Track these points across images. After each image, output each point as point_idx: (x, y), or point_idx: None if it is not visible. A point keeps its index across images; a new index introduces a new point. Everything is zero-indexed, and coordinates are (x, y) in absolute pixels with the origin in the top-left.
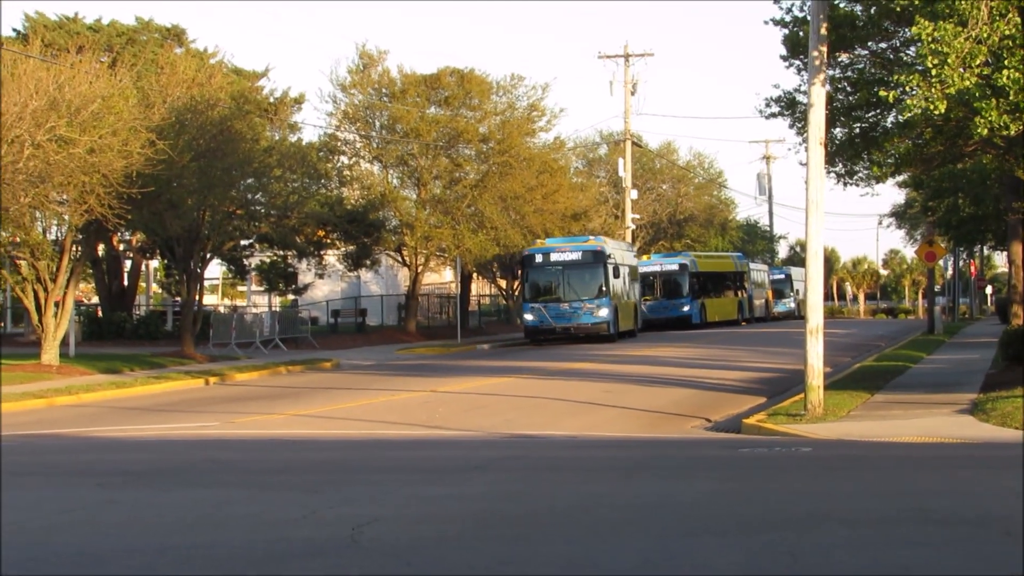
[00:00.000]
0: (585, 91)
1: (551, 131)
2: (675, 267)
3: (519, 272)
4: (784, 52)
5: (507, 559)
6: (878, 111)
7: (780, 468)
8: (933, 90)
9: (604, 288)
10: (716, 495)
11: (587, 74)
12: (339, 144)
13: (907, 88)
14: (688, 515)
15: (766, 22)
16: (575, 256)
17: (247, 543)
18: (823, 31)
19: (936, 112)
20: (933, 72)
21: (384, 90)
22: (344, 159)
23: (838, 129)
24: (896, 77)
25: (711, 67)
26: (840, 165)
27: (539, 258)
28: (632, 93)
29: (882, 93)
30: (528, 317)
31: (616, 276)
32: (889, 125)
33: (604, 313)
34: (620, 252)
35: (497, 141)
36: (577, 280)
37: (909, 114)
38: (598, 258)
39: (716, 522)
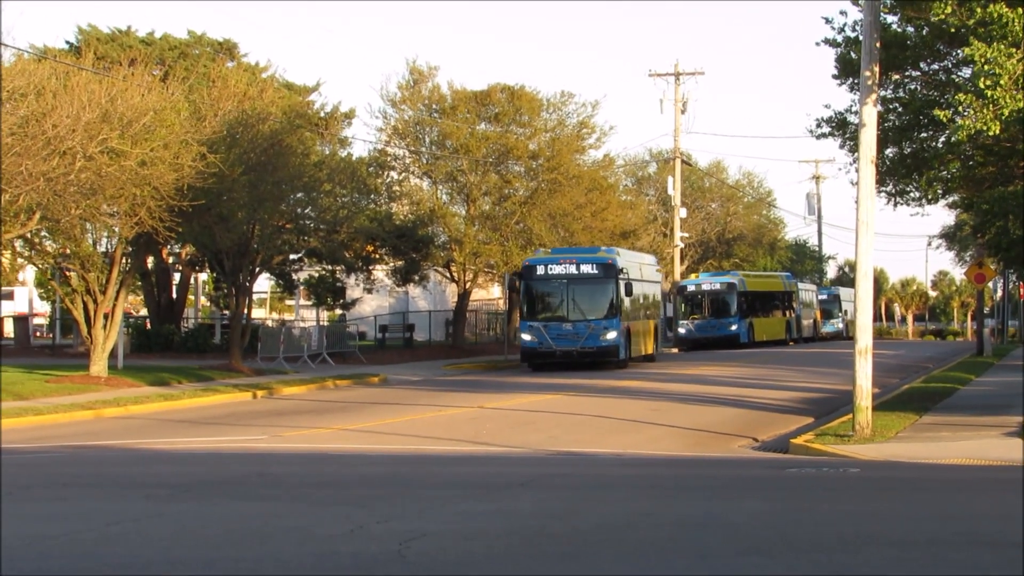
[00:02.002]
0: (635, 109)
1: (600, 148)
2: (723, 286)
3: (517, 284)
4: (836, 73)
5: None
6: (930, 132)
7: (828, 488)
8: (987, 111)
9: (614, 307)
10: (764, 515)
11: (637, 92)
12: (389, 159)
13: (960, 109)
14: (735, 535)
15: (818, 43)
16: (582, 269)
17: (295, 557)
18: (875, 51)
19: (991, 133)
20: (987, 93)
21: (434, 106)
22: (394, 174)
23: (890, 150)
24: (955, 97)
25: (761, 86)
26: (891, 185)
27: (540, 270)
28: (682, 111)
29: (937, 113)
30: (525, 337)
31: (629, 293)
32: (940, 146)
33: (612, 336)
34: (638, 265)
35: (547, 158)
36: (583, 297)
37: (962, 135)
38: (608, 272)
39: (764, 542)
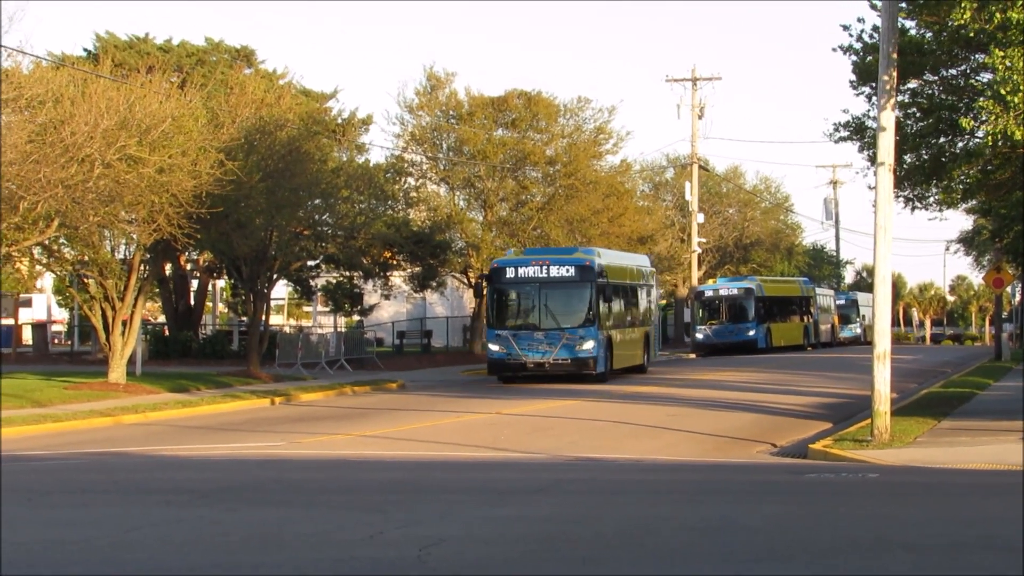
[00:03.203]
0: (652, 114)
1: (617, 154)
2: (741, 291)
3: (484, 288)
4: (853, 79)
5: None
6: (949, 137)
7: (847, 494)
8: (1008, 117)
9: (592, 314)
10: (782, 520)
11: (654, 97)
12: (406, 165)
13: (980, 115)
14: (754, 539)
15: (834, 49)
16: (555, 272)
17: (313, 562)
18: (893, 55)
19: (1016, 137)
20: (1009, 100)
21: (451, 112)
22: (411, 180)
23: (908, 156)
24: (979, 103)
25: (779, 91)
26: (909, 189)
27: (509, 272)
28: (699, 116)
29: (962, 122)
30: (492, 347)
31: (610, 299)
32: (958, 151)
33: (589, 346)
34: (624, 267)
35: (564, 164)
36: (557, 303)
37: (981, 140)
38: (585, 276)
39: (783, 547)
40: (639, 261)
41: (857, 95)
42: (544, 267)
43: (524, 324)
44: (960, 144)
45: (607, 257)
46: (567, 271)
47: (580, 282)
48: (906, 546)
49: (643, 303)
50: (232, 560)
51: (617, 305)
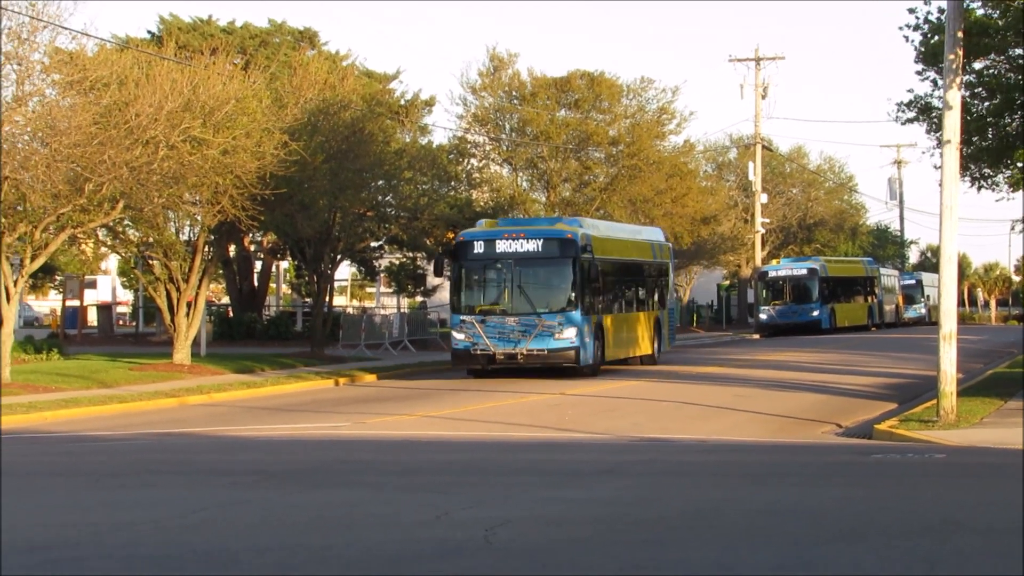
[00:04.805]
0: (715, 94)
1: (680, 134)
2: (805, 272)
3: (445, 265)
4: (918, 59)
5: (640, 563)
6: (1016, 117)
7: (914, 475)
8: None
9: (575, 296)
10: (849, 501)
11: (717, 77)
12: (469, 146)
13: None
14: (821, 521)
15: (900, 28)
16: (531, 247)
17: (379, 543)
18: (959, 34)
19: None
20: None
21: (514, 93)
22: (474, 161)
23: (975, 137)
24: None
25: (842, 71)
26: (975, 170)
27: (477, 247)
28: (763, 96)
29: None
30: (456, 336)
31: (600, 279)
32: None
33: (570, 334)
34: (622, 241)
35: (627, 144)
36: (533, 283)
37: None
38: (566, 251)
39: (850, 528)
40: (648, 235)
41: (923, 79)
42: (517, 241)
43: (493, 308)
44: None
45: (600, 229)
46: (545, 246)
47: (560, 258)
48: (976, 528)
49: (651, 283)
50: (300, 541)
51: (614, 285)
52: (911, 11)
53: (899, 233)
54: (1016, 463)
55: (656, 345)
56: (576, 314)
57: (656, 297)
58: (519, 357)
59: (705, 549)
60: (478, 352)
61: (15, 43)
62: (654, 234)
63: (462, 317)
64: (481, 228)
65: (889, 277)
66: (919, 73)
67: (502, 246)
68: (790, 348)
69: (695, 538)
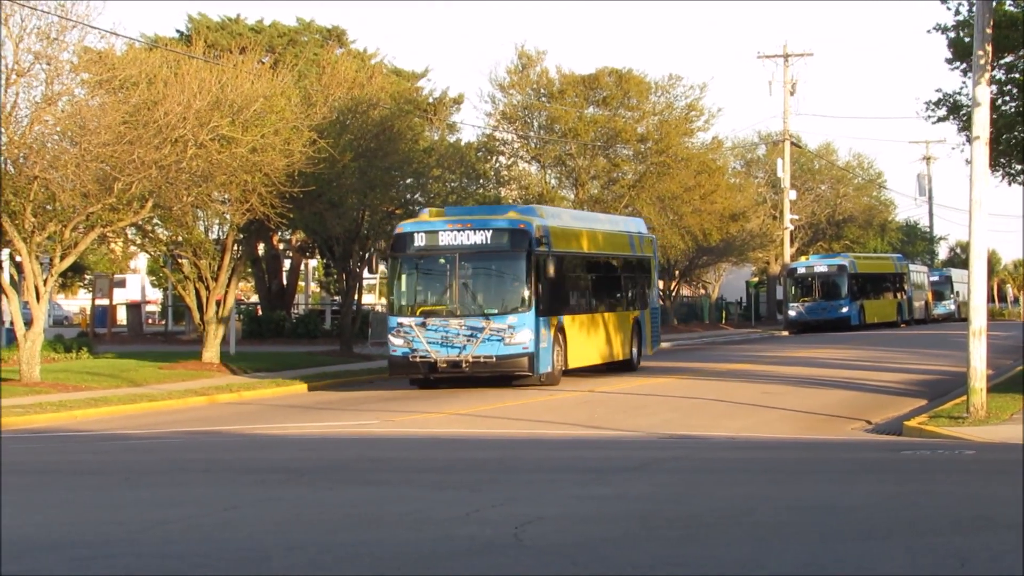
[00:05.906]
0: (743, 91)
1: (709, 131)
2: (834, 268)
3: (375, 261)
4: (948, 55)
5: (671, 560)
6: None
7: (944, 471)
8: None
9: (528, 295)
10: (880, 498)
11: (745, 74)
12: (497, 144)
13: None
14: (852, 518)
15: (929, 31)
16: (478, 239)
17: (410, 541)
18: (988, 30)
19: None
20: None
21: (542, 90)
22: (502, 159)
23: (1005, 133)
24: None
25: (871, 67)
26: (1006, 166)
27: (418, 239)
28: (791, 93)
29: None
30: (394, 342)
31: (562, 275)
32: None
33: (523, 338)
34: (591, 232)
35: (655, 141)
36: (480, 280)
37: None
38: (518, 242)
39: (881, 525)
40: (626, 226)
41: (952, 70)
42: (463, 232)
43: (436, 309)
44: None
45: (564, 219)
46: (494, 238)
47: (511, 251)
48: (1007, 525)
49: (628, 280)
50: (332, 539)
51: (580, 283)
52: (942, 1)
53: (928, 229)
54: None
55: (635, 349)
56: (530, 315)
57: (634, 295)
58: (463, 365)
59: (737, 546)
60: (417, 359)
61: (44, 43)
62: (633, 225)
63: (399, 319)
64: (423, 218)
65: (918, 273)
66: (948, 62)
67: (446, 238)
68: (819, 345)
69: (727, 535)
